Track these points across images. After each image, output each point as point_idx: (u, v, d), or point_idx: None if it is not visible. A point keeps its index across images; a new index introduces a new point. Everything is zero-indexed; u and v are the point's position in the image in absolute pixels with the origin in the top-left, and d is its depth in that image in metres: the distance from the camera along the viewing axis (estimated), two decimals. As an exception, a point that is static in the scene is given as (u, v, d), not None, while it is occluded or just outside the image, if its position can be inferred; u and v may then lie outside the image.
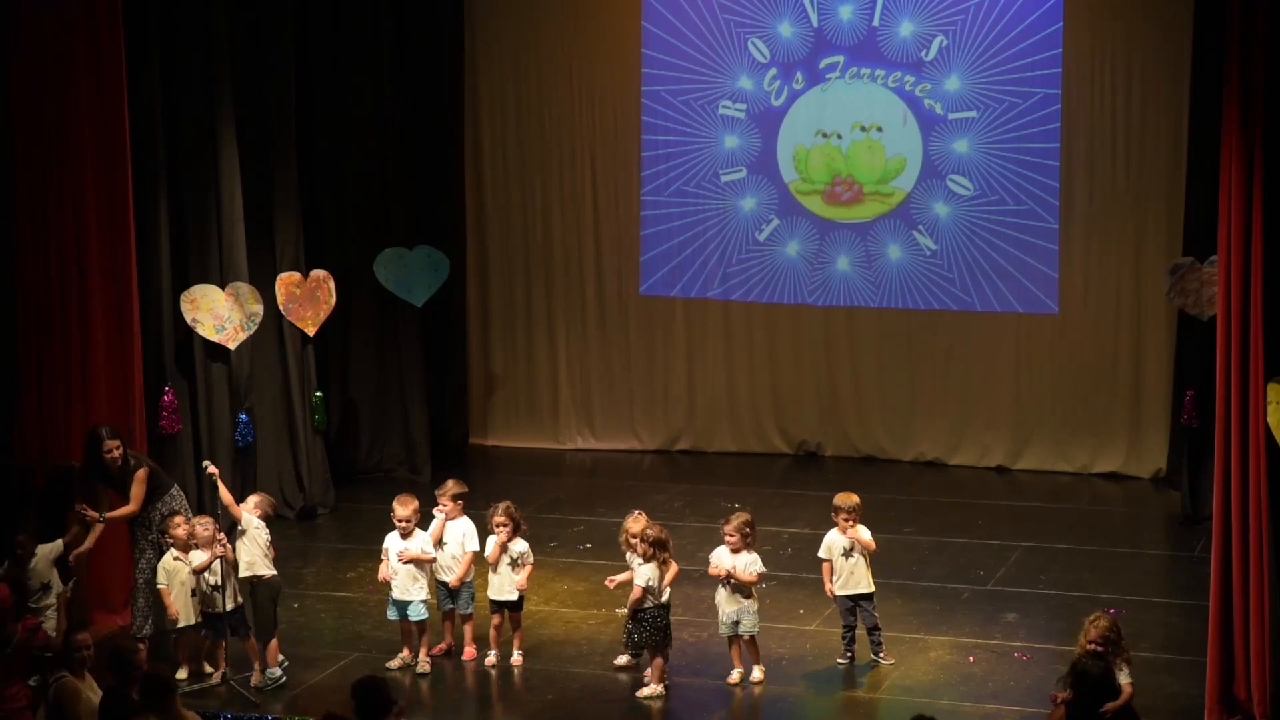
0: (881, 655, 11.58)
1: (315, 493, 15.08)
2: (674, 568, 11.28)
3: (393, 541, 11.65)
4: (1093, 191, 15.69)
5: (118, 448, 11.61)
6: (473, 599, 11.81)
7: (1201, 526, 13.49)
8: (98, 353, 12.43)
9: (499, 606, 11.69)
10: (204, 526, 11.34)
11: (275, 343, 14.92)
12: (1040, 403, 16.09)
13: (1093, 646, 9.59)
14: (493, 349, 17.34)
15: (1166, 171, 15.34)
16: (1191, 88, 14.79)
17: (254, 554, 11.40)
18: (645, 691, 11.19)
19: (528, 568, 11.69)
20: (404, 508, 11.64)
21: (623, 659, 11.63)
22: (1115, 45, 15.46)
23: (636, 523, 11.42)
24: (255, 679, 11.36)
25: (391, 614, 11.70)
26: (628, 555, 11.48)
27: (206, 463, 12.30)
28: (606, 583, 11.61)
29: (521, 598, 11.68)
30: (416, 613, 11.58)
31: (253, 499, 11.66)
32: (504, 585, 11.62)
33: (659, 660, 11.21)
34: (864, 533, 11.51)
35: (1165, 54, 15.20)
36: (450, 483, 11.95)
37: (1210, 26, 13.97)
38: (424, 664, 11.61)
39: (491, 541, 11.62)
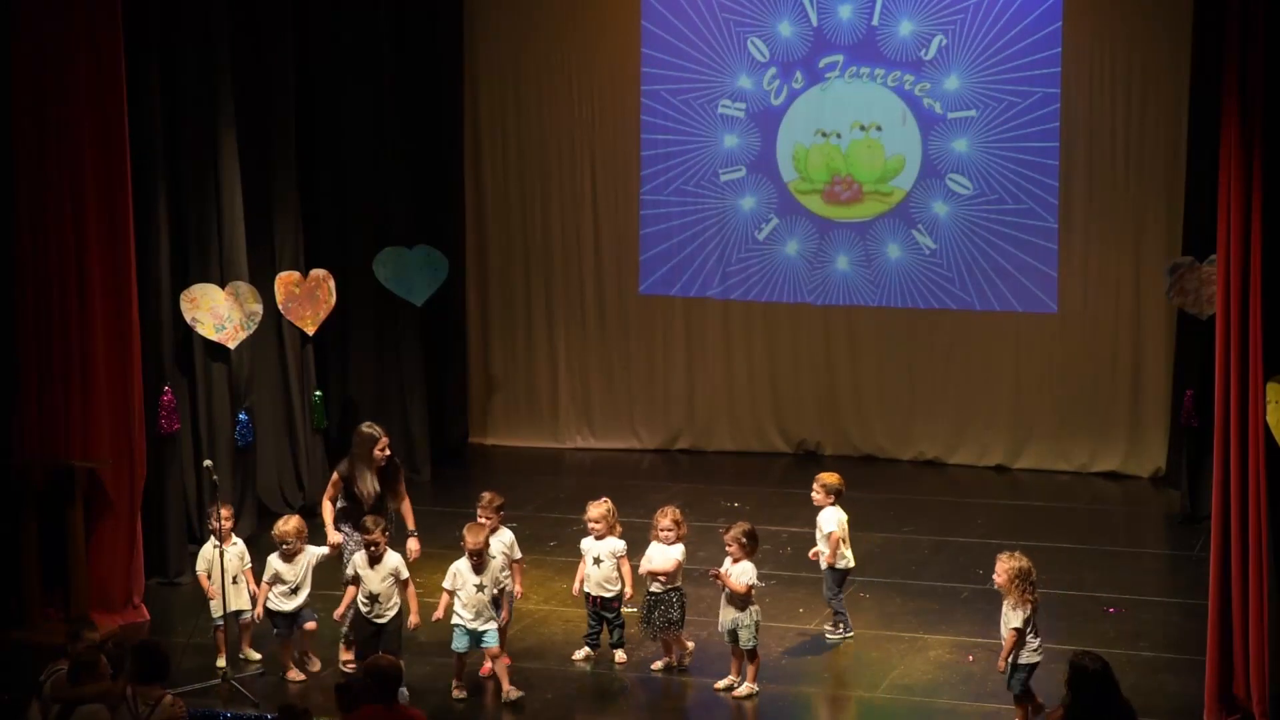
0: (828, 629, 12.00)
1: (315, 492, 15.04)
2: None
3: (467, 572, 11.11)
4: (1092, 191, 15.70)
5: (388, 446, 11.74)
6: (511, 605, 11.57)
7: (1201, 526, 13.47)
8: (97, 351, 12.42)
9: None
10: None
11: (275, 342, 14.92)
12: (1039, 402, 16.08)
13: (999, 582, 10.25)
14: (492, 348, 17.34)
15: (1166, 171, 15.35)
16: (1191, 87, 14.79)
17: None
18: (662, 665, 11.51)
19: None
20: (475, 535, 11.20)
21: (582, 653, 11.71)
22: (1115, 45, 15.46)
23: (597, 508, 11.70)
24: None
25: (461, 644, 11.09)
26: (584, 541, 11.69)
27: (207, 462, 12.30)
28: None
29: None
30: (493, 640, 11.08)
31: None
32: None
33: (682, 636, 11.56)
34: (826, 514, 11.99)
35: (1165, 53, 15.21)
36: (487, 495, 11.75)
37: (1210, 26, 13.95)
38: (458, 691, 11.18)
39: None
